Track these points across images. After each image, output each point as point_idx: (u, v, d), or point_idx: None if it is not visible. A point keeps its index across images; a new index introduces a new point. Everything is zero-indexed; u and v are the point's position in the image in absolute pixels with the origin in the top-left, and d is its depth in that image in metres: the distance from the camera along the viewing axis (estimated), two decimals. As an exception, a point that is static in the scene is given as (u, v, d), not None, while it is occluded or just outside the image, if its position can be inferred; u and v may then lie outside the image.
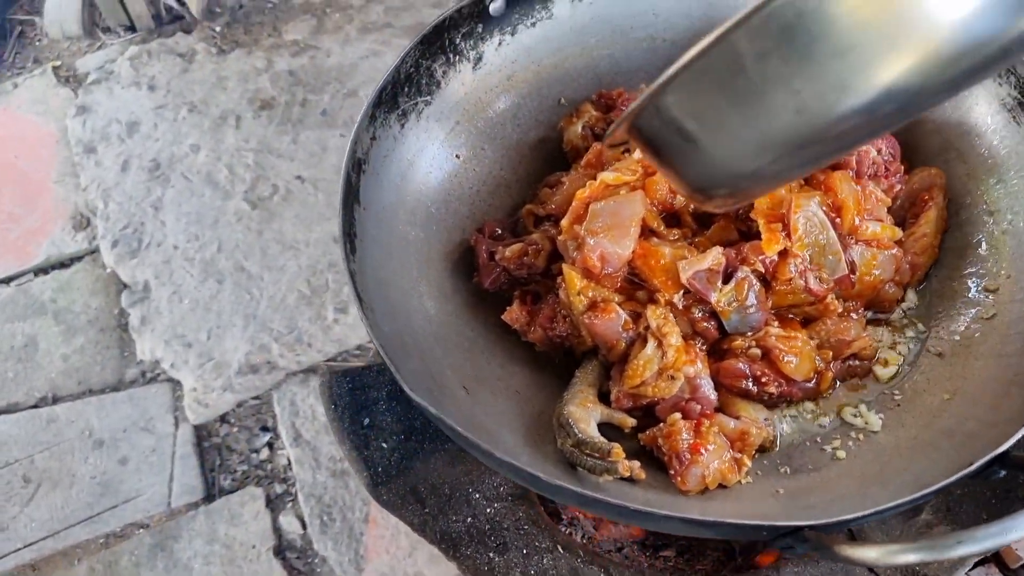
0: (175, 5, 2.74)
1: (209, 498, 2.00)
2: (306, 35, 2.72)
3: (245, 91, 2.59)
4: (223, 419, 2.10)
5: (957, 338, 1.12)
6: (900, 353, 1.15)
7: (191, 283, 2.25)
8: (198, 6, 2.63)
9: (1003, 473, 0.88)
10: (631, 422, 1.08)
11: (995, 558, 1.52)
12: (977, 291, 1.14)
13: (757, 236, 1.09)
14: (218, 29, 2.74)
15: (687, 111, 0.62)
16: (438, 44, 1.25)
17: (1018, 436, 0.87)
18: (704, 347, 1.11)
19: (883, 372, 1.13)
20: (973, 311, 1.13)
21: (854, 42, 0.53)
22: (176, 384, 2.14)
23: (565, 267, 1.12)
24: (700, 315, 1.09)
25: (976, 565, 1.51)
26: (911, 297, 1.19)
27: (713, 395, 1.08)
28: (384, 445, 1.12)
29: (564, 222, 1.14)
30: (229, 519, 1.94)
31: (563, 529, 1.26)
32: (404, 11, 2.75)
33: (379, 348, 0.97)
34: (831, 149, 0.64)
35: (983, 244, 1.16)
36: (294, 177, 2.41)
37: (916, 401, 1.09)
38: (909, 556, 0.74)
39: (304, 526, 1.94)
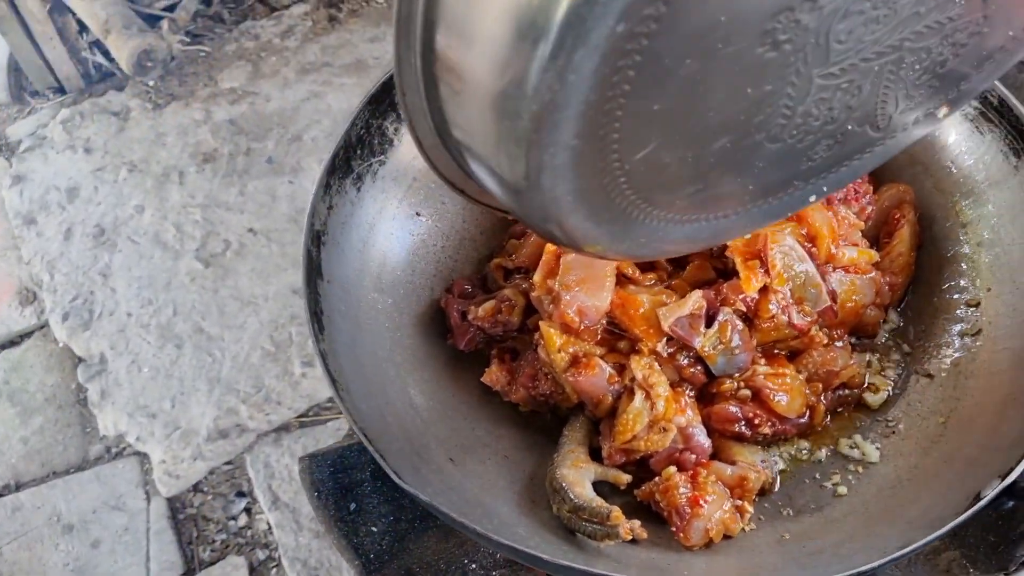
0: (104, 62, 2.66)
1: (190, 572, 1.93)
2: (243, 82, 2.65)
3: (186, 145, 2.52)
4: (196, 488, 2.04)
5: (944, 357, 1.11)
6: (888, 378, 1.14)
7: (149, 350, 2.18)
8: (128, 61, 2.55)
9: (1011, 503, 0.87)
10: (626, 478, 1.05)
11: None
12: (959, 307, 1.13)
13: (734, 273, 1.07)
14: (151, 83, 2.67)
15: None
16: (387, 101, 1.21)
17: (1021, 469, 0.85)
18: (693, 394, 1.08)
19: (874, 399, 1.12)
20: (957, 327, 1.12)
21: None
22: (144, 457, 2.07)
23: (543, 324, 1.08)
24: (686, 361, 1.07)
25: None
26: (893, 318, 1.18)
27: (707, 443, 1.05)
28: (374, 529, 1.07)
29: (537, 277, 1.10)
30: (213, 594, 1.88)
31: (564, 588, 1.22)
32: (341, 49, 2.70)
33: (361, 436, 0.93)
34: None
35: (959, 258, 1.15)
36: (246, 230, 2.35)
37: (911, 427, 1.07)
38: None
39: (292, 593, 1.88)
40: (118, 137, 2.56)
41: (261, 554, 1.96)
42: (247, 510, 2.02)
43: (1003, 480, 0.86)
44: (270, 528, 1.97)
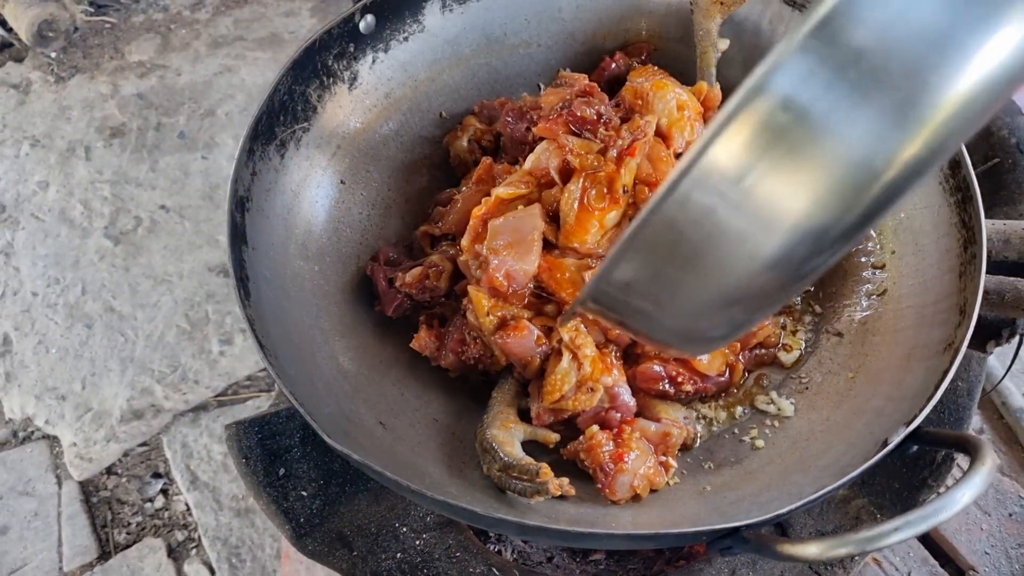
0: (2, 32, 2.55)
1: (104, 556, 1.88)
2: (152, 55, 2.58)
3: (92, 120, 2.43)
4: (110, 471, 1.98)
5: (853, 317, 1.17)
6: (801, 338, 1.19)
7: (57, 331, 2.10)
8: (28, 31, 2.45)
9: (915, 448, 0.92)
10: (555, 437, 1.07)
11: (895, 512, 1.61)
12: (866, 269, 1.19)
13: (656, 238, 1.10)
14: (53, 55, 2.56)
15: (634, 285, 0.59)
16: (310, 68, 1.20)
17: (926, 412, 0.90)
18: (618, 354, 1.11)
19: (787, 358, 1.17)
20: (864, 288, 1.18)
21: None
22: (53, 440, 2.00)
23: (471, 289, 1.09)
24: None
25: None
26: (805, 281, 1.23)
27: (632, 402, 1.08)
28: (303, 494, 1.06)
29: (464, 242, 1.11)
30: (129, 575, 1.84)
31: (493, 549, 1.24)
32: (255, 22, 2.64)
33: (289, 397, 0.92)
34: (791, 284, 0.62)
35: (866, 223, 1.21)
36: (158, 207, 2.28)
37: (823, 383, 1.12)
38: (848, 548, 0.76)
39: (212, 572, 1.85)
40: (18, 111, 2.46)
41: (180, 535, 1.92)
42: (164, 491, 1.98)
43: (908, 427, 0.91)
44: (189, 509, 1.94)
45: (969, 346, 1.20)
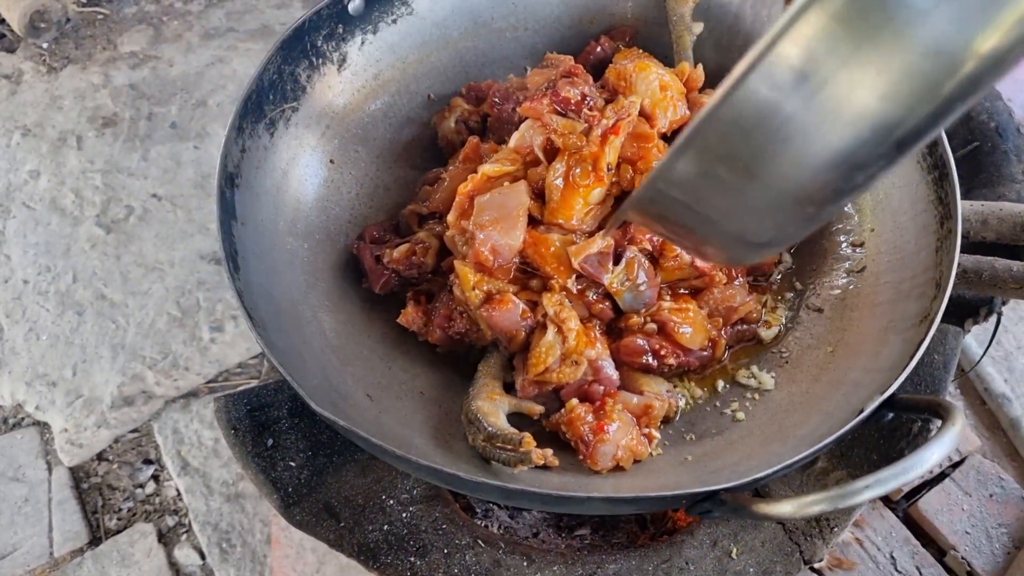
0: (-6, 23, 2.56)
1: (95, 542, 1.89)
2: (144, 45, 2.59)
3: (84, 109, 2.45)
4: (101, 457, 1.99)
5: (833, 293, 1.19)
6: (781, 313, 1.21)
7: (48, 318, 2.11)
8: (20, 22, 2.46)
9: (891, 416, 0.94)
10: (539, 409, 1.09)
11: (878, 493, 1.63)
12: (845, 246, 1.21)
13: (640, 215, 1.12)
14: (45, 46, 2.57)
15: (692, 183, 0.58)
16: (299, 48, 1.21)
17: (901, 380, 0.92)
18: (602, 328, 1.13)
19: (767, 333, 1.19)
20: (844, 265, 1.20)
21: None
22: (44, 427, 2.01)
23: (457, 263, 1.11)
24: (594, 297, 1.11)
25: (862, 502, 1.62)
26: (786, 259, 1.25)
27: (615, 375, 1.10)
28: (292, 464, 1.08)
29: (450, 217, 1.13)
30: (119, 561, 1.85)
31: (480, 523, 1.26)
32: (247, 14, 2.66)
33: (277, 365, 0.94)
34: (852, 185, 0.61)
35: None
36: (149, 195, 2.30)
37: (803, 357, 1.14)
38: (821, 506, 0.78)
39: (203, 556, 1.86)
40: (10, 100, 2.47)
41: (170, 520, 1.93)
42: (155, 477, 1.99)
43: (882, 395, 0.93)
44: (179, 494, 1.95)
45: (949, 324, 1.22)
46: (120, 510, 1.95)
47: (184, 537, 1.90)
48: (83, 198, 2.29)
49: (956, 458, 1.65)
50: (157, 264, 2.18)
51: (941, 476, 1.64)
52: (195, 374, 2.06)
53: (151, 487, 1.97)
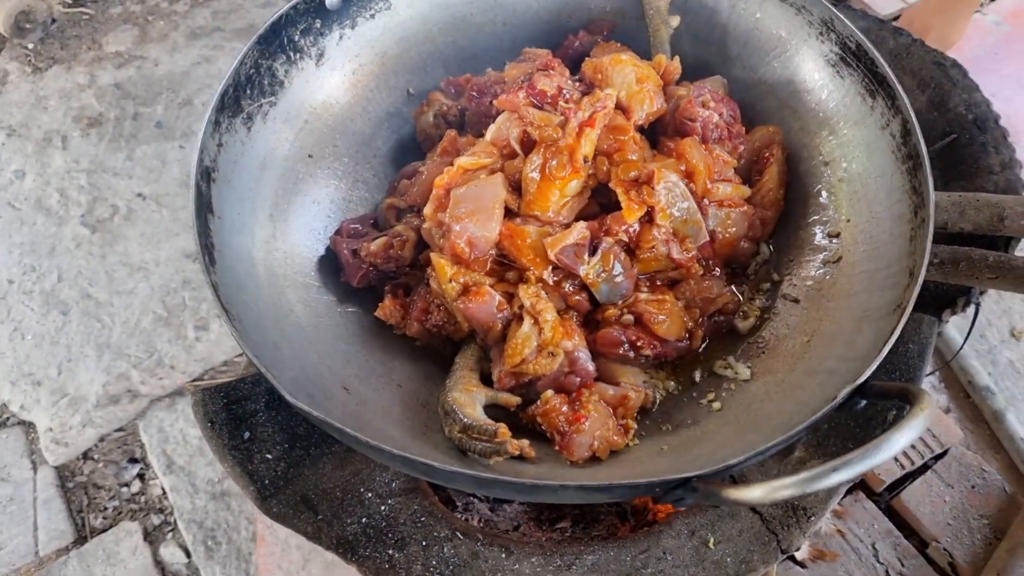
0: (-21, 23, 2.55)
1: (80, 540, 1.89)
2: (129, 45, 2.59)
3: (69, 109, 2.44)
4: (86, 456, 1.99)
5: (809, 283, 1.19)
6: (758, 304, 1.21)
7: (32, 317, 2.11)
8: (5, 23, 2.46)
9: (863, 403, 0.94)
10: (516, 400, 1.09)
11: (861, 485, 1.64)
12: (822, 237, 1.21)
13: (617, 207, 1.12)
14: (31, 46, 2.57)
15: None
16: (277, 43, 1.22)
17: (873, 367, 0.92)
18: (579, 320, 1.13)
19: (744, 324, 1.19)
20: (821, 256, 1.20)
21: None
22: (29, 426, 2.01)
23: (434, 255, 1.11)
24: (571, 289, 1.12)
25: (846, 493, 1.62)
26: (764, 250, 1.26)
27: (591, 366, 1.10)
28: (268, 456, 1.08)
29: (427, 210, 1.13)
30: (105, 559, 1.84)
31: (460, 516, 1.26)
32: (232, 14, 2.65)
33: (252, 357, 0.94)
34: None
35: (823, 193, 1.24)
36: (134, 195, 2.29)
37: (779, 347, 1.15)
38: (790, 491, 0.78)
39: (188, 555, 1.86)
40: (-5, 101, 2.46)
41: (156, 519, 1.92)
42: (140, 476, 1.99)
43: (854, 383, 0.93)
44: (165, 493, 1.94)
45: (926, 314, 1.23)
46: (105, 509, 1.94)
47: (170, 535, 1.90)
48: (68, 198, 2.29)
49: (939, 450, 1.66)
50: (142, 263, 2.18)
51: (923, 468, 1.65)
52: (180, 372, 2.06)
53: (136, 486, 1.97)
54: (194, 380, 2.06)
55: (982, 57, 2.47)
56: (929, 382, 1.95)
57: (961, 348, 1.74)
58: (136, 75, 2.52)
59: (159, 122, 2.43)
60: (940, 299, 1.35)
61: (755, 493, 0.80)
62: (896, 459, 1.63)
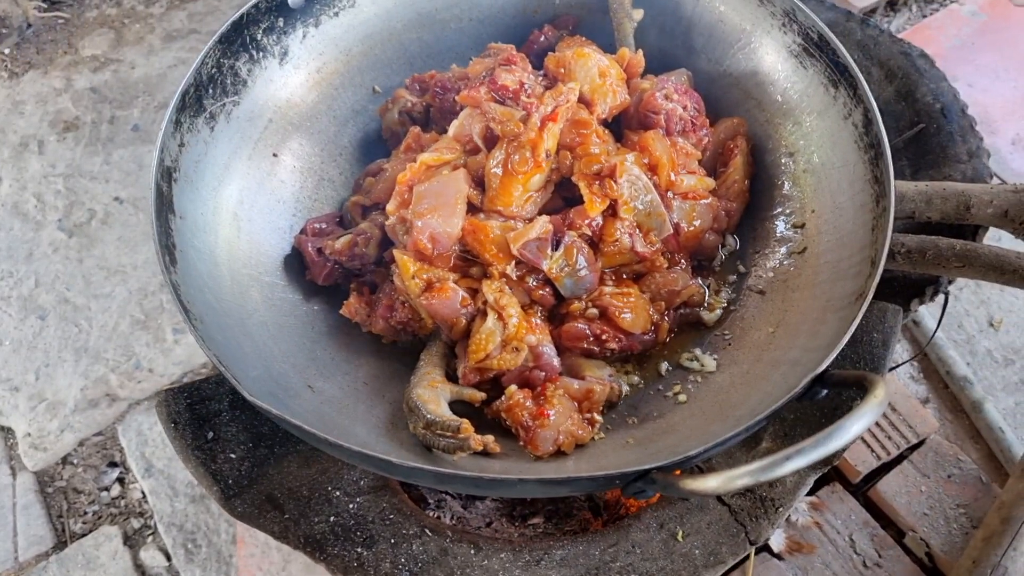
0: (-46, 29, 2.54)
1: (60, 545, 1.88)
2: (105, 49, 2.57)
3: (45, 114, 2.43)
4: (65, 461, 1.98)
5: (774, 274, 1.19)
6: (724, 296, 1.21)
7: (10, 323, 2.10)
8: (-20, 28, 2.45)
9: (824, 392, 0.94)
10: (480, 396, 1.09)
11: (838, 476, 1.64)
12: (786, 228, 1.21)
13: (581, 201, 1.12)
14: (6, 51, 2.56)
15: None
16: (239, 42, 1.21)
17: (833, 356, 0.92)
18: (543, 314, 1.13)
19: (710, 316, 1.19)
20: (785, 247, 1.20)
21: None
22: (7, 431, 2.00)
23: (397, 252, 1.11)
24: (535, 284, 1.12)
25: (821, 485, 1.62)
26: (730, 242, 1.26)
27: (556, 360, 1.10)
28: (232, 456, 1.08)
29: (390, 206, 1.13)
30: (85, 564, 1.84)
31: (431, 513, 1.26)
32: (208, 15, 2.64)
33: (210, 356, 0.93)
34: None
35: (787, 184, 1.24)
36: (112, 199, 2.28)
37: (745, 338, 1.15)
38: (745, 480, 0.78)
39: (168, 558, 1.85)
40: (-29, 107, 2.45)
41: (136, 523, 1.92)
42: (120, 480, 1.98)
43: (813, 372, 0.93)
44: (144, 496, 1.94)
45: (894, 303, 1.23)
46: (85, 513, 1.94)
47: (150, 539, 1.89)
48: (45, 202, 2.28)
49: (915, 440, 1.66)
50: (120, 267, 2.17)
51: (900, 459, 1.65)
52: (159, 375, 2.05)
53: (116, 490, 1.96)
54: (173, 383, 2.05)
55: (959, 47, 2.48)
56: (908, 373, 1.95)
57: (933, 336, 1.75)
58: (112, 79, 2.51)
59: (136, 125, 2.42)
60: (908, 288, 1.35)
61: (711, 483, 0.80)
62: (872, 450, 1.63)
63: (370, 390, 1.13)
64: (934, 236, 1.27)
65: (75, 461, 1.98)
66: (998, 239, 2.00)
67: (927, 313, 1.96)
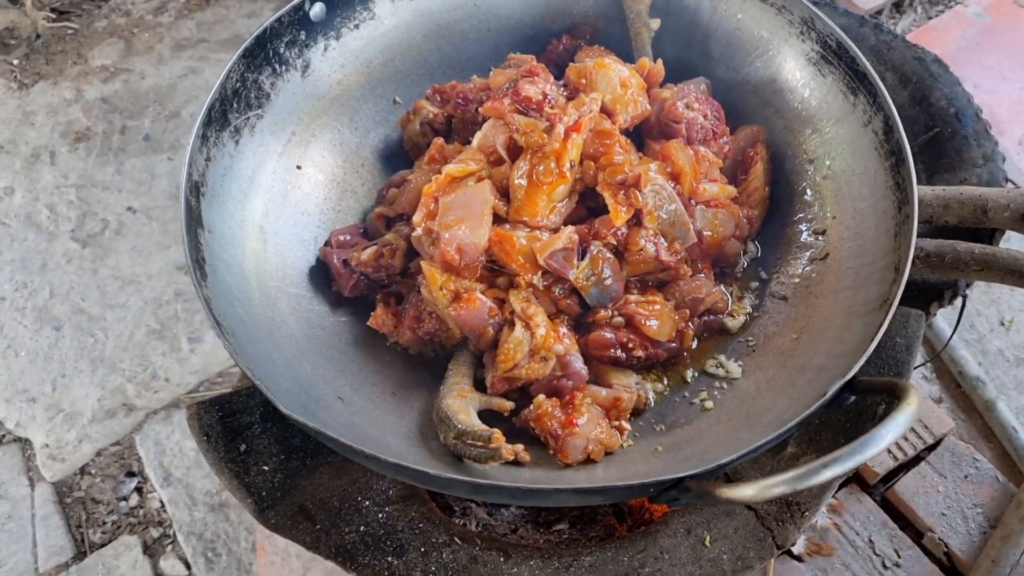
0: (-37, 41, 2.55)
1: (80, 556, 1.89)
2: (115, 59, 2.59)
3: (56, 124, 2.44)
4: (83, 471, 1.99)
5: (797, 281, 1.20)
6: (747, 302, 1.22)
7: (25, 334, 2.11)
8: (-10, 40, 2.46)
9: (852, 398, 0.96)
10: (509, 405, 1.10)
11: (856, 478, 1.65)
12: (808, 235, 1.23)
13: (605, 211, 1.13)
14: (16, 62, 2.57)
15: None
16: (262, 56, 1.22)
17: (861, 363, 0.93)
18: (569, 323, 1.14)
19: (733, 323, 1.20)
20: (808, 253, 1.21)
21: None
22: (25, 443, 2.01)
23: (424, 264, 1.12)
24: (561, 293, 1.13)
25: (840, 487, 1.63)
26: (752, 249, 1.27)
27: (583, 369, 1.11)
28: (265, 468, 1.09)
29: (416, 218, 1.14)
30: (105, 574, 1.85)
31: (457, 521, 1.27)
32: (217, 24, 2.66)
33: (246, 370, 0.94)
34: None
35: (807, 191, 1.25)
36: (125, 209, 2.30)
37: (769, 345, 1.16)
38: (781, 488, 0.79)
39: (188, 567, 1.87)
40: (-18, 118, 2.46)
41: (155, 532, 1.93)
42: (138, 489, 1.99)
43: (843, 379, 0.94)
44: (163, 505, 1.95)
45: (914, 307, 1.24)
46: (104, 523, 1.95)
47: (169, 548, 1.90)
48: (58, 213, 2.29)
49: (931, 441, 1.67)
50: (134, 277, 2.18)
51: (917, 459, 1.66)
52: (175, 384, 2.06)
53: (135, 499, 1.97)
54: (190, 392, 2.06)
55: (964, 49, 2.50)
56: (920, 373, 1.97)
57: (949, 340, 1.76)
58: (123, 88, 2.52)
59: (147, 135, 2.43)
60: (927, 292, 1.36)
61: (747, 492, 0.81)
62: (889, 451, 1.64)
63: (399, 400, 1.14)
64: (952, 240, 1.28)
65: (93, 471, 2.00)
66: (1006, 240, 2.02)
67: (941, 315, 1.97)
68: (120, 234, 2.26)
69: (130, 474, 2.00)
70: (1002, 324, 2.04)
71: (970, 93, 1.48)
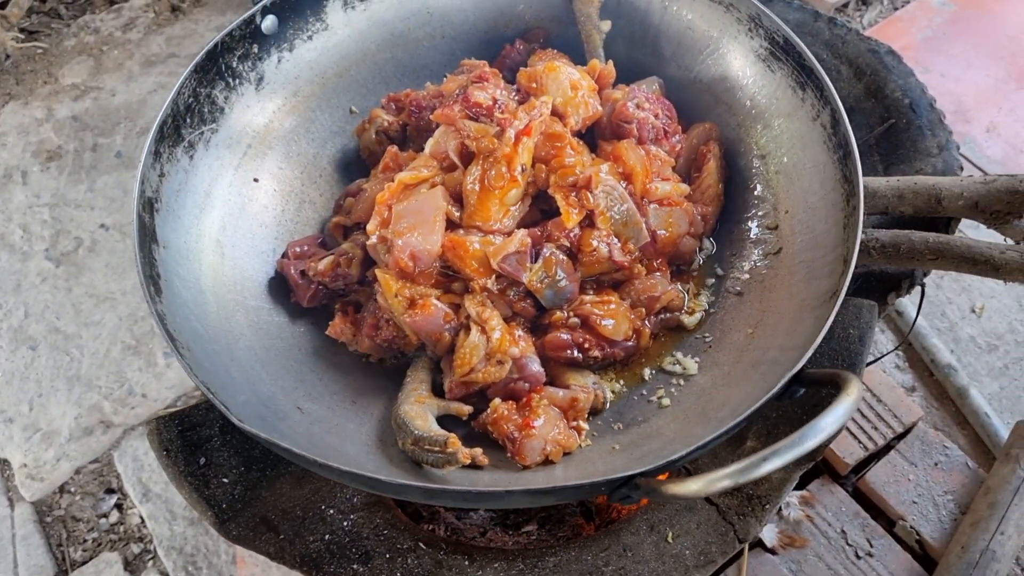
0: (-68, 63, 2.55)
1: (61, 574, 1.89)
2: (85, 77, 2.59)
3: (27, 144, 2.44)
4: (63, 489, 1.99)
5: (751, 276, 1.21)
6: (703, 300, 1.23)
7: (1, 355, 2.11)
8: (-41, 61, 2.46)
9: (802, 391, 0.96)
10: (467, 410, 1.11)
11: (827, 469, 1.66)
12: (761, 230, 1.23)
13: (558, 214, 1.14)
14: (-14, 83, 2.57)
15: None
16: (214, 70, 1.23)
17: (807, 357, 0.94)
18: (525, 326, 1.15)
19: (690, 320, 1.21)
20: (761, 249, 1.22)
21: None
22: (3, 463, 2.01)
23: (379, 271, 1.13)
24: (516, 296, 1.13)
25: (811, 479, 1.64)
26: (706, 246, 1.28)
27: (540, 371, 1.12)
28: (225, 480, 1.09)
29: (370, 226, 1.15)
30: (86, 592, 1.85)
31: (425, 527, 1.27)
32: (187, 39, 2.66)
33: (199, 384, 0.95)
34: None
35: (759, 186, 1.26)
36: (97, 226, 2.30)
37: (724, 340, 1.17)
38: (726, 482, 0.80)
39: (169, 582, 1.87)
40: (-47, 140, 2.46)
41: (136, 548, 1.93)
42: (118, 506, 1.99)
43: (790, 372, 0.95)
44: (143, 521, 1.95)
45: (871, 299, 1.25)
46: (85, 541, 1.95)
47: (150, 563, 1.90)
48: (31, 233, 2.29)
49: (901, 430, 1.68)
50: (108, 294, 2.19)
51: (887, 448, 1.67)
52: (152, 400, 2.06)
53: (115, 516, 1.97)
54: (167, 407, 2.06)
55: (931, 38, 2.51)
56: (893, 362, 1.98)
57: (913, 326, 1.77)
58: (93, 106, 2.52)
59: (119, 152, 2.43)
60: (885, 283, 1.37)
61: (693, 486, 0.81)
62: (859, 441, 1.65)
63: (358, 408, 1.14)
64: (907, 230, 1.29)
65: (72, 489, 2.00)
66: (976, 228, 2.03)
67: (910, 303, 1.98)
68: (94, 252, 2.26)
69: (109, 491, 2.00)
70: (973, 311, 2.06)
71: (924, 83, 1.49)
